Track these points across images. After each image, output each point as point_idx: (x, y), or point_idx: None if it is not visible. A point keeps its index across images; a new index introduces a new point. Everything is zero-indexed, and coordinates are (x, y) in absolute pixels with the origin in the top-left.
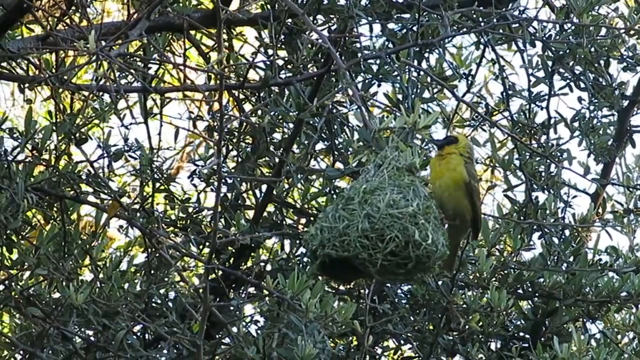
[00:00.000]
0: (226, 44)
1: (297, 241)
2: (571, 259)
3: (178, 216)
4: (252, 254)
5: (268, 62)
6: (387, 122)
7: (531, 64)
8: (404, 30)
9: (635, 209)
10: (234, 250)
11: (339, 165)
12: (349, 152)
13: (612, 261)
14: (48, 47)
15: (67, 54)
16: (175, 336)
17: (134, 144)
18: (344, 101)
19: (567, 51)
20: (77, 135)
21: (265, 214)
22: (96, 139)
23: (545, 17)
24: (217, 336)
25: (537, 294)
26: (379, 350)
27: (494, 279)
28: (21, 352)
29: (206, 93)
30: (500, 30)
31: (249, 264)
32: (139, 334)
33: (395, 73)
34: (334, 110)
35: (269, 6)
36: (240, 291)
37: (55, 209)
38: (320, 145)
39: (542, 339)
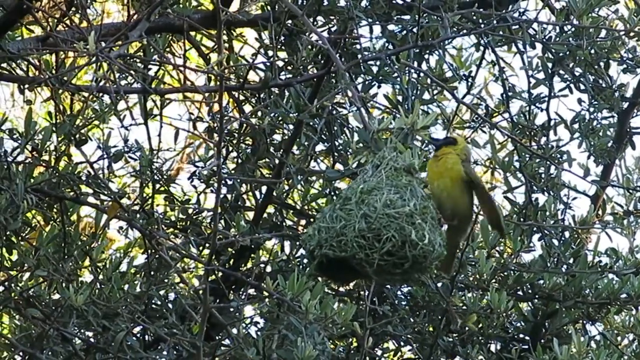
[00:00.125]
0: (226, 45)
1: (297, 242)
2: (571, 260)
3: (178, 217)
4: (252, 255)
5: (268, 64)
6: (386, 123)
7: (531, 65)
8: (404, 32)
9: (635, 210)
10: (233, 252)
11: (339, 166)
12: (348, 154)
13: (612, 263)
14: (48, 48)
15: (67, 55)
16: (175, 337)
17: (134, 145)
18: (344, 102)
19: (567, 53)
20: (77, 136)
21: (265, 215)
22: (96, 140)
23: (545, 18)
24: (217, 337)
25: (537, 296)
26: (379, 352)
27: (493, 280)
28: (21, 353)
29: (206, 94)
30: (501, 32)
31: (249, 265)
32: (138, 335)
33: (395, 74)
34: (334, 112)
35: (269, 7)
36: (240, 292)
37: (55, 210)
38: (320, 147)
39: (542, 340)
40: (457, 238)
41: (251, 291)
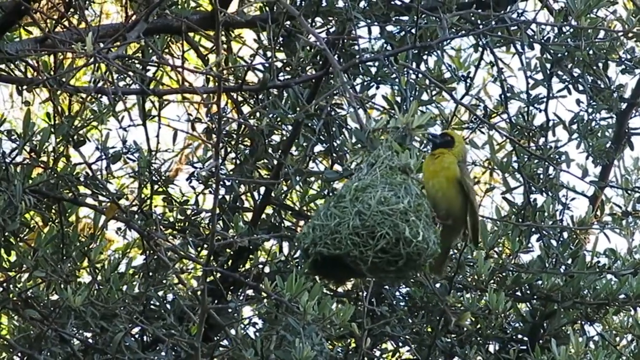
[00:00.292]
0: (224, 46)
1: (296, 243)
2: (569, 261)
3: (176, 218)
4: (251, 256)
5: (266, 65)
6: (381, 123)
7: (529, 66)
8: (403, 33)
9: (634, 211)
10: (232, 253)
11: (337, 167)
12: (346, 154)
13: (610, 263)
14: (46, 49)
15: (65, 56)
16: (174, 338)
17: (132, 146)
18: (342, 103)
19: (566, 54)
20: (76, 137)
21: (263, 216)
22: (94, 141)
23: (543, 19)
24: (215, 338)
25: (535, 296)
26: (377, 353)
27: (492, 281)
28: (19, 354)
29: (204, 95)
30: (499, 33)
31: (247, 266)
32: (137, 336)
33: (394, 75)
34: (332, 113)
35: (267, 8)
36: (239, 293)
37: (53, 211)
38: (318, 148)
39: (540, 341)
40: (450, 238)
41: (249, 292)
